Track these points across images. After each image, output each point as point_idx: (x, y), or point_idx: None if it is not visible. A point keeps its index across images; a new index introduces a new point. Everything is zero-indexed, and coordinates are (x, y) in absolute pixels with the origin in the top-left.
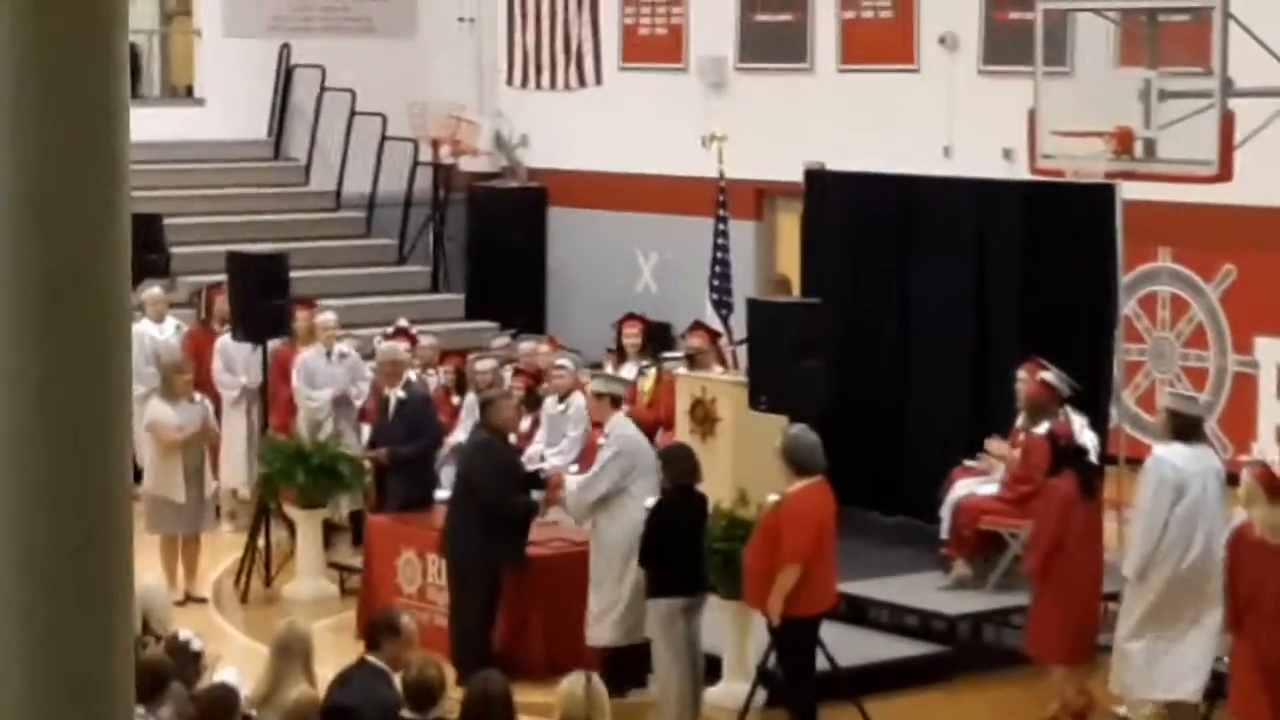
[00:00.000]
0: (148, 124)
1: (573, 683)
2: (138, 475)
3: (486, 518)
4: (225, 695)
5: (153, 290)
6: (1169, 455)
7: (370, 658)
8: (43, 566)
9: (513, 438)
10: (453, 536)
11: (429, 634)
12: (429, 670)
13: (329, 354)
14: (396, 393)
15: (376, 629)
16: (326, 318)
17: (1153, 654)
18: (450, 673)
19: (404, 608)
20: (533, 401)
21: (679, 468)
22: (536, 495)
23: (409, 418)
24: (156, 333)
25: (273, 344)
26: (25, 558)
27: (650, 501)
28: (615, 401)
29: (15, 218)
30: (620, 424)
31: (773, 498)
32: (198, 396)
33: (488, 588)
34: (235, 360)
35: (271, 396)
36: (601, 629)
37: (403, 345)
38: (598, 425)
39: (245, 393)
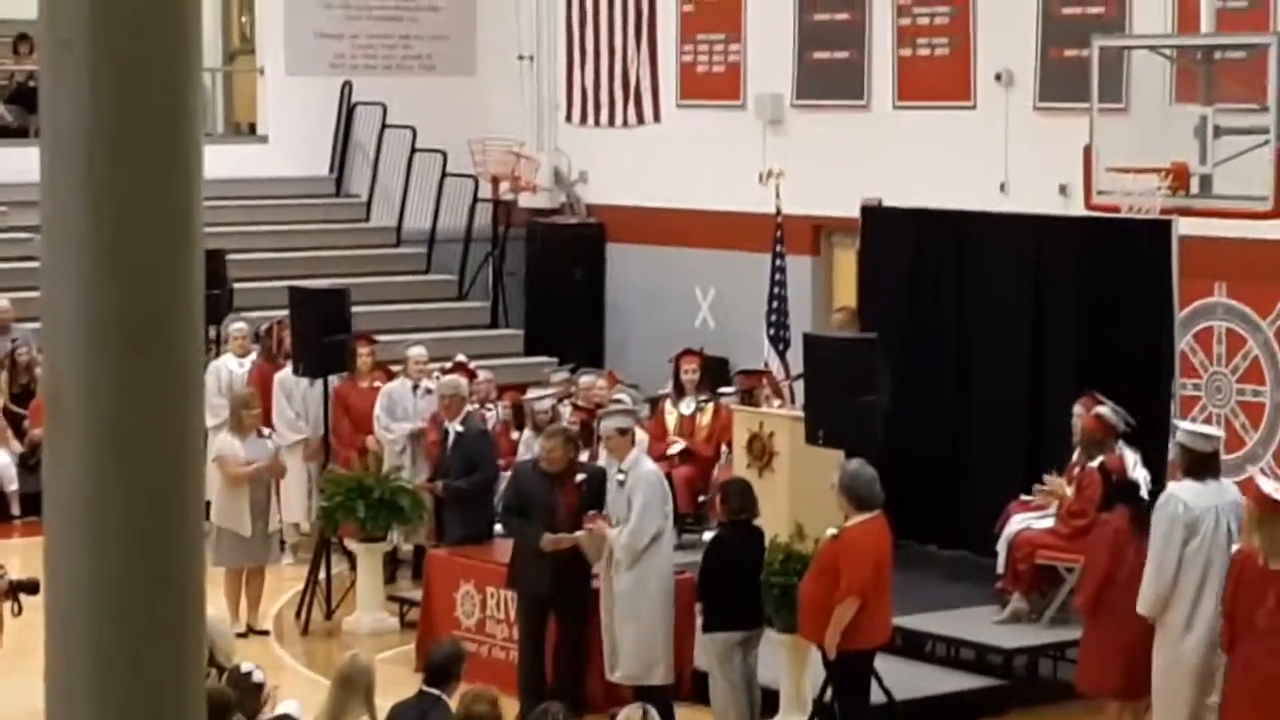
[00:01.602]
0: (211, 161)
1: (629, 715)
2: (205, 508)
3: (514, 546)
4: None
5: (238, 325)
6: (1180, 492)
7: (434, 689)
8: (116, 603)
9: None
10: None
11: (487, 667)
12: (478, 705)
13: (415, 387)
14: (455, 426)
15: (449, 660)
16: (418, 352)
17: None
18: (508, 705)
19: (463, 640)
20: (590, 436)
21: (738, 502)
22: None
23: (466, 452)
24: (236, 367)
25: (333, 381)
26: (99, 593)
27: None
28: (624, 432)
29: (89, 261)
30: (640, 462)
31: (831, 531)
32: (266, 431)
33: (525, 617)
34: (294, 394)
35: (333, 432)
36: (649, 666)
37: (463, 380)
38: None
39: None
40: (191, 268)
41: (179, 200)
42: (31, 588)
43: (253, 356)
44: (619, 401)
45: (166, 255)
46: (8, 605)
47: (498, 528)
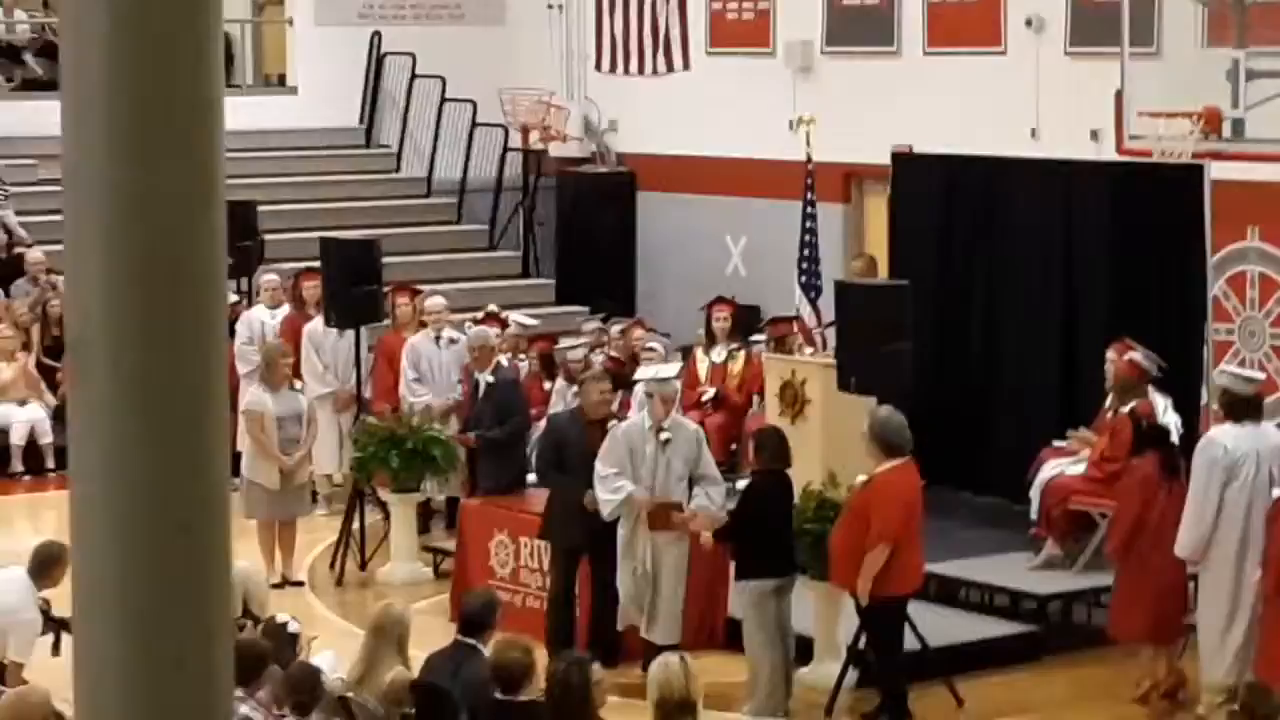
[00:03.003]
0: (241, 113)
1: (666, 663)
2: (237, 459)
3: (549, 496)
4: (310, 673)
5: (269, 276)
6: (1220, 436)
7: (468, 639)
8: (142, 552)
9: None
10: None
11: (522, 616)
12: (511, 653)
13: (438, 339)
14: (485, 377)
15: (484, 610)
16: (435, 302)
17: (1246, 635)
18: (540, 653)
19: (497, 590)
20: (621, 384)
21: (773, 451)
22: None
23: (498, 401)
24: (268, 317)
25: (374, 331)
26: (126, 543)
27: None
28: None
29: (113, 208)
30: (682, 420)
31: (861, 478)
32: (298, 384)
33: (559, 569)
34: (324, 346)
35: (375, 382)
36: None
37: (493, 330)
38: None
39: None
40: (213, 216)
41: (200, 149)
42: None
43: (285, 308)
44: (651, 350)
45: (188, 204)
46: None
47: (530, 477)
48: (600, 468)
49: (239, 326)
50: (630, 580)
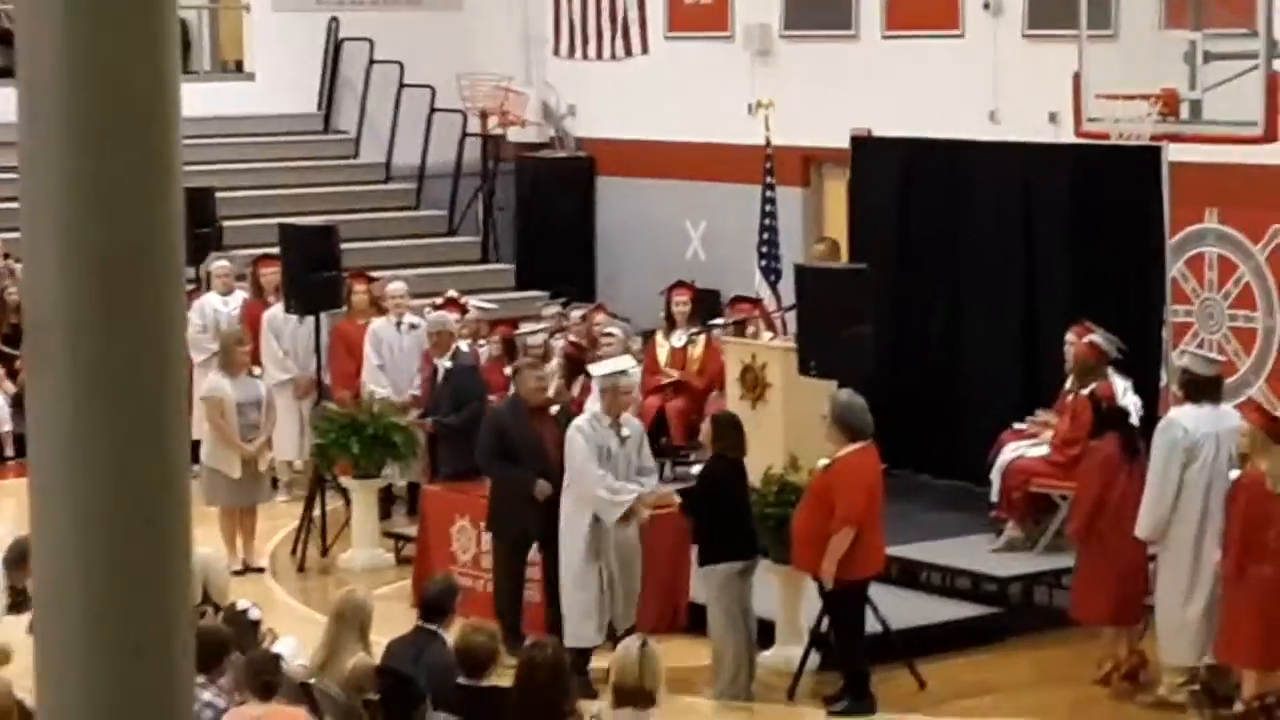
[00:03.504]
0: (198, 99)
1: (627, 648)
2: (196, 447)
3: (492, 486)
4: (270, 657)
5: (220, 263)
6: (1180, 417)
7: (429, 624)
8: (102, 540)
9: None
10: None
11: (483, 601)
12: (476, 637)
13: (399, 324)
14: (444, 362)
15: (443, 595)
16: (397, 287)
17: (1206, 616)
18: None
19: (459, 575)
20: (581, 369)
21: (732, 437)
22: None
23: (455, 387)
24: (221, 305)
25: (334, 317)
26: (85, 531)
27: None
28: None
29: (69, 198)
30: (631, 417)
31: (823, 462)
32: (256, 370)
33: (508, 556)
34: (283, 332)
35: (333, 369)
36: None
37: (453, 315)
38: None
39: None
40: (171, 204)
41: (158, 137)
42: None
43: (238, 294)
44: (610, 335)
45: (146, 192)
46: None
47: None
48: (595, 470)
49: (192, 314)
50: (595, 583)
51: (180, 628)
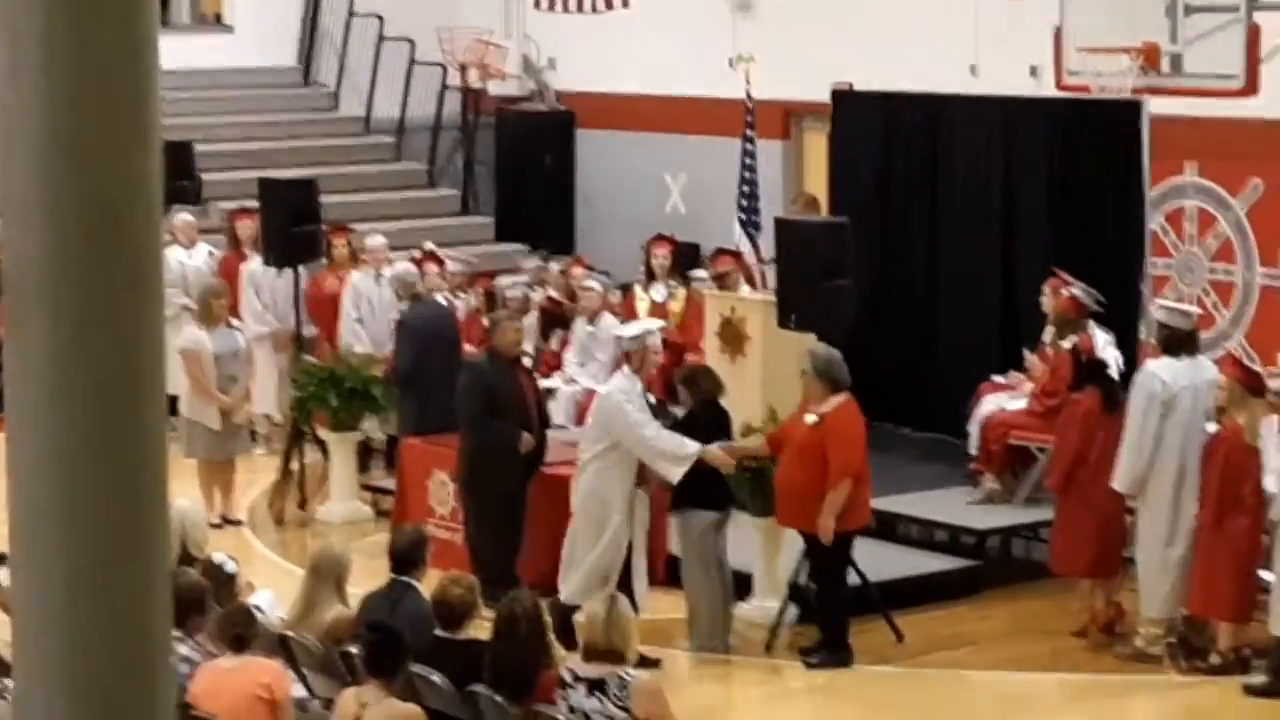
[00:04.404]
0: (177, 52)
1: (596, 605)
2: (175, 400)
3: (473, 440)
4: (244, 609)
5: (183, 216)
6: (1157, 370)
7: (404, 577)
8: (80, 493)
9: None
10: (457, 460)
11: (461, 554)
12: (454, 590)
13: (377, 277)
14: (393, 314)
15: (412, 546)
16: (376, 241)
17: (1183, 568)
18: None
19: (436, 528)
20: (559, 322)
21: (705, 384)
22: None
23: (400, 338)
24: (186, 258)
25: (304, 271)
26: (63, 485)
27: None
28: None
29: (49, 151)
30: None
31: (811, 419)
32: (235, 323)
33: (492, 510)
34: (263, 286)
35: (314, 323)
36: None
37: (432, 268)
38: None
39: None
40: (149, 156)
41: (137, 90)
42: None
43: (202, 246)
44: (589, 289)
45: (125, 145)
46: None
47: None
48: (651, 427)
49: None
50: (625, 548)
51: (158, 580)
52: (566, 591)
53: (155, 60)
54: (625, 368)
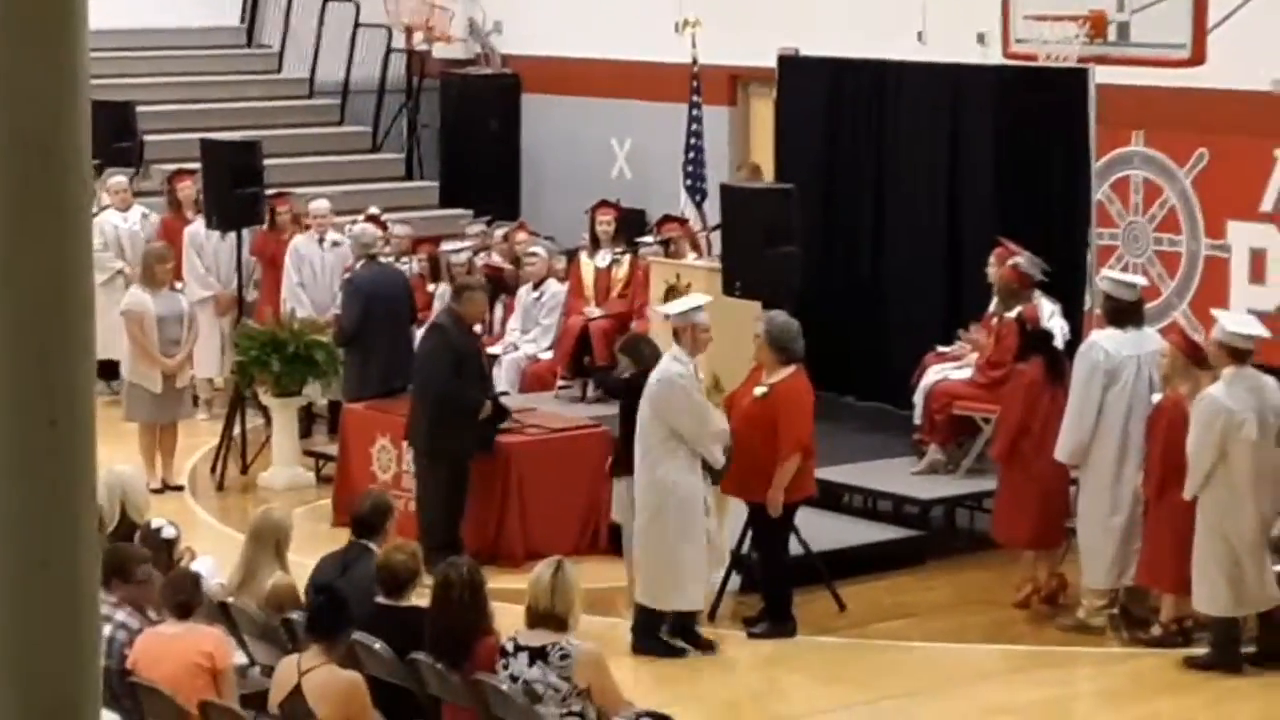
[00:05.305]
0: (120, 11)
1: (541, 570)
2: (116, 364)
3: (438, 405)
4: (190, 575)
5: (117, 179)
6: (1101, 340)
7: (364, 541)
8: (6, 448)
9: (478, 328)
10: (411, 423)
11: (403, 520)
12: (397, 556)
13: (321, 241)
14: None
15: (374, 511)
16: (320, 205)
17: (1125, 539)
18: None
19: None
20: (503, 288)
21: (648, 349)
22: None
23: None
24: (120, 221)
25: (247, 234)
26: None
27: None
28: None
29: None
30: None
31: (760, 390)
32: (179, 285)
33: (446, 476)
34: (205, 249)
35: (260, 285)
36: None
37: (375, 231)
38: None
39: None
40: (77, 109)
41: (65, 39)
42: None
43: (136, 209)
44: (534, 255)
45: (55, 94)
46: None
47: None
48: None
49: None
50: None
51: (86, 538)
52: (678, 602)
53: (84, 6)
54: (675, 348)
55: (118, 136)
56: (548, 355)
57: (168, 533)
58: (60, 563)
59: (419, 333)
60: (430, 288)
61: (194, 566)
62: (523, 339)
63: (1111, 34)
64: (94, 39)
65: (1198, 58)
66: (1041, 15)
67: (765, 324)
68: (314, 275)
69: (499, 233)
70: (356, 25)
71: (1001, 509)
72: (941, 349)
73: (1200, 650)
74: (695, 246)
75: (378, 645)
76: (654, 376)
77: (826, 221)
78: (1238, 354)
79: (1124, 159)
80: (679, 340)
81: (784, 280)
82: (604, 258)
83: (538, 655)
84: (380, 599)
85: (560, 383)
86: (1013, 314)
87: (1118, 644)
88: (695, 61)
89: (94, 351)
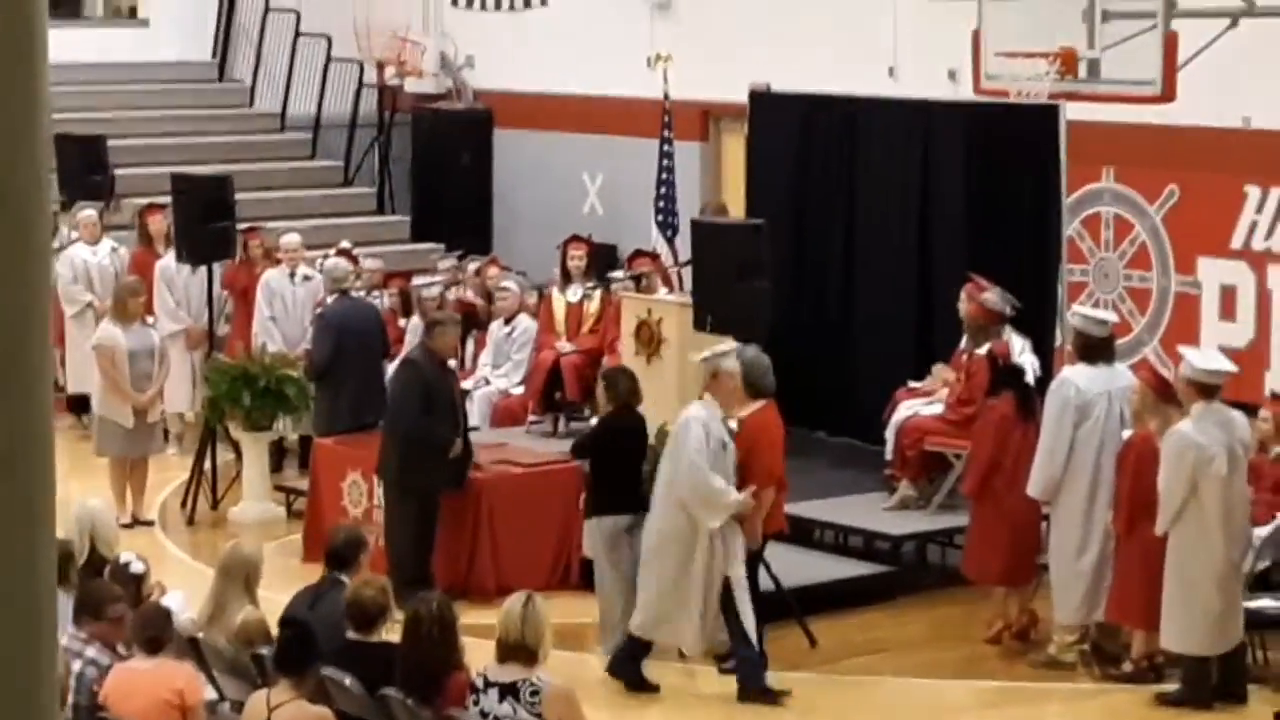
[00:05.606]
0: (91, 45)
1: (512, 602)
2: (87, 399)
3: (407, 441)
4: (160, 611)
5: (86, 212)
6: (1073, 376)
7: (337, 574)
8: None
9: (452, 363)
10: (382, 458)
11: (374, 556)
12: (365, 591)
13: (292, 275)
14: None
15: (348, 545)
16: (291, 239)
17: (1097, 575)
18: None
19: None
20: (474, 323)
21: (625, 386)
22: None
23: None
24: (89, 254)
25: (218, 268)
26: None
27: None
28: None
29: None
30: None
31: (731, 424)
32: (150, 319)
33: (416, 511)
34: (175, 283)
35: (231, 320)
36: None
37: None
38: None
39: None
40: (37, 139)
41: (23, 78)
42: None
43: (105, 243)
44: (506, 290)
45: (13, 121)
46: None
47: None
48: (706, 466)
49: (60, 266)
50: (689, 592)
51: (45, 576)
52: (668, 636)
53: (44, 35)
54: (707, 395)
55: (89, 170)
56: (519, 390)
57: (136, 568)
58: (21, 599)
59: (391, 367)
60: (402, 322)
61: (164, 601)
62: (494, 374)
63: (1082, 71)
64: (65, 72)
65: (1168, 94)
66: (1012, 52)
67: (736, 358)
68: (285, 309)
69: (471, 267)
70: (328, 60)
71: (972, 545)
72: (913, 384)
73: (1171, 686)
74: (667, 281)
75: (348, 680)
76: (681, 416)
77: (798, 256)
78: (1206, 390)
79: (1094, 195)
80: (708, 386)
81: (755, 315)
82: (575, 293)
83: (508, 691)
84: (350, 634)
85: (531, 418)
86: (983, 350)
87: (1089, 680)
88: (667, 97)
89: (50, 392)
